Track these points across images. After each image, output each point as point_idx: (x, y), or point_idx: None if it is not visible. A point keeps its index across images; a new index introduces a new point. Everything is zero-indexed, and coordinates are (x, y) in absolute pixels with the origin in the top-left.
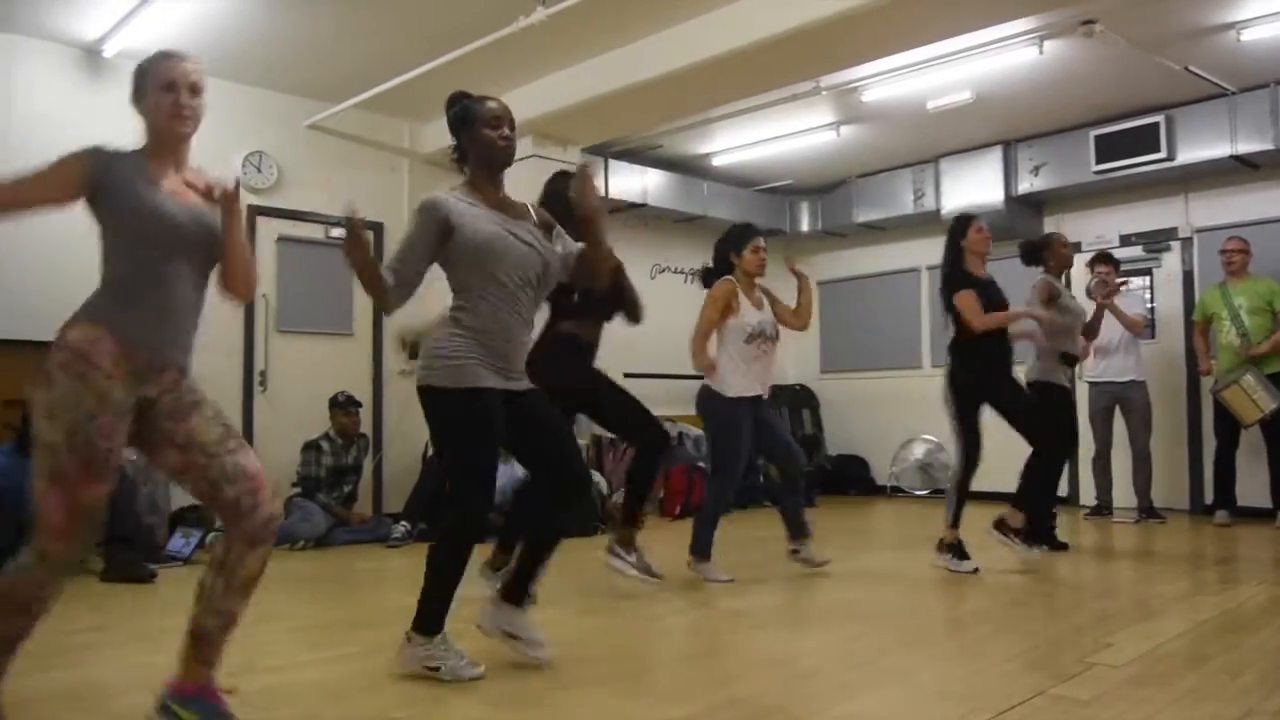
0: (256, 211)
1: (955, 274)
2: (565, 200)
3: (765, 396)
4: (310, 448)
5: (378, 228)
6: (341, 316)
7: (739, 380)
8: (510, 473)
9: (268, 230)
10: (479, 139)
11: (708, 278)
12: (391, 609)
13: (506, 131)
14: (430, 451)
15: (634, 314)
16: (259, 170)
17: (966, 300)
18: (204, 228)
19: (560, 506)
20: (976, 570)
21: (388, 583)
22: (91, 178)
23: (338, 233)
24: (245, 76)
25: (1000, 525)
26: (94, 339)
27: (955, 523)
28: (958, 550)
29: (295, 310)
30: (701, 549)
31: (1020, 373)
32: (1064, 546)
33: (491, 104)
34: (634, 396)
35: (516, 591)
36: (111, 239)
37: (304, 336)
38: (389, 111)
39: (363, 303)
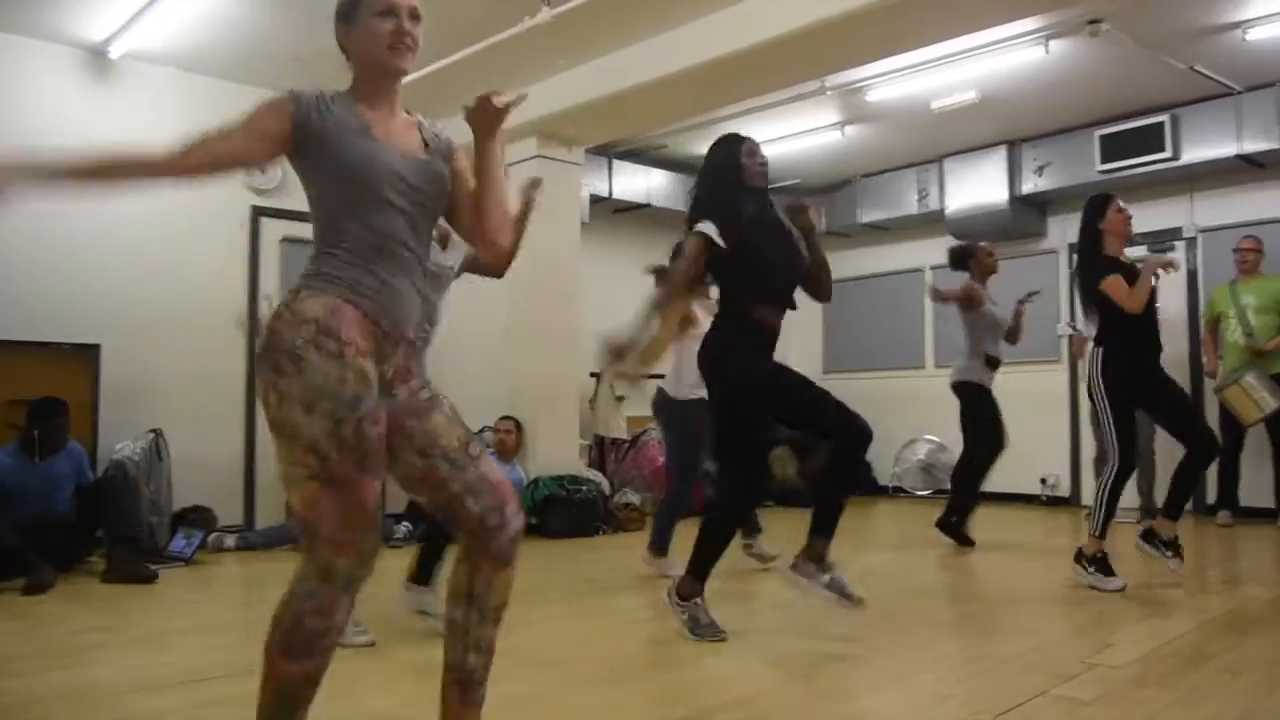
0: (260, 212)
1: (1099, 260)
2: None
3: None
4: None
5: None
6: None
7: (689, 380)
8: (511, 474)
9: (272, 232)
10: None
11: (659, 275)
12: (395, 607)
13: None
14: None
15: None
16: (263, 171)
17: (1115, 284)
18: (428, 178)
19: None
20: (1124, 588)
21: (389, 582)
22: (290, 127)
23: None
24: (252, 78)
25: (1149, 536)
26: (334, 309)
27: (1102, 533)
28: (1103, 565)
29: None
30: (659, 545)
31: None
32: (971, 542)
33: None
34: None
35: (424, 571)
36: (320, 196)
37: None
38: None
39: None
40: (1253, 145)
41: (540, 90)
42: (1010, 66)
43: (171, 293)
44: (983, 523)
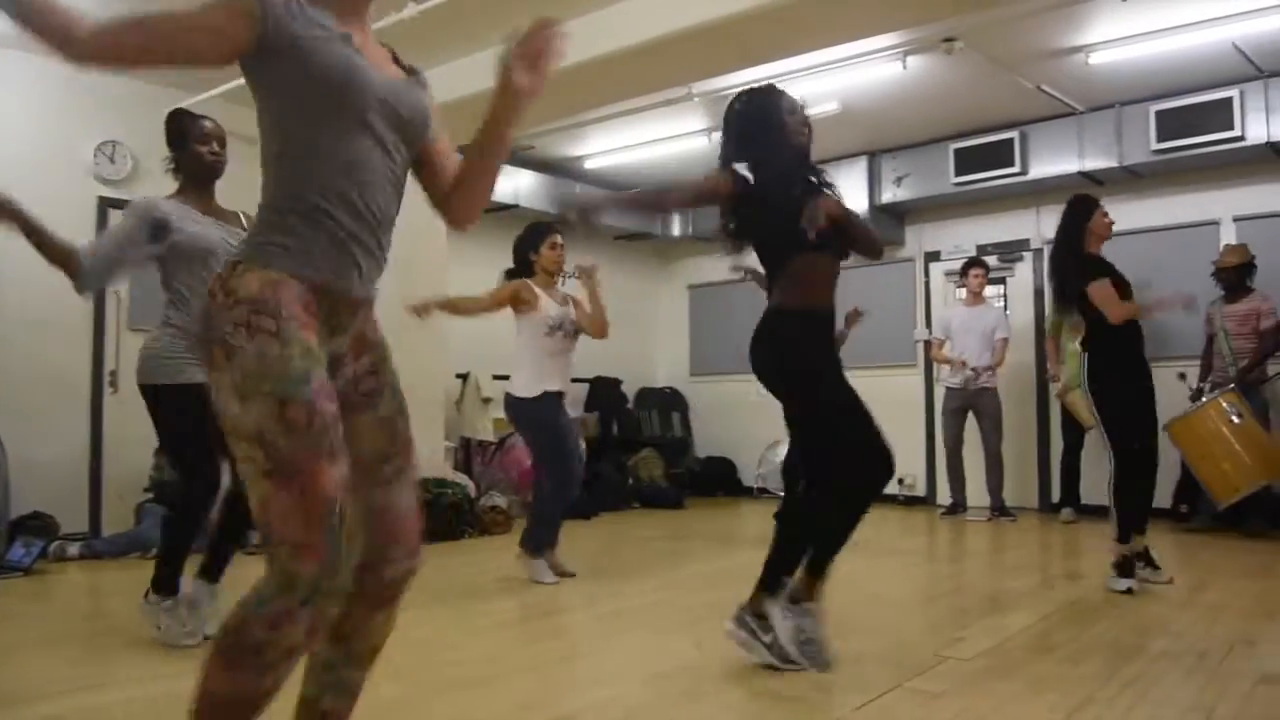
0: (109, 204)
1: (1084, 261)
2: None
3: (566, 394)
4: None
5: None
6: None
7: (537, 377)
8: None
9: None
10: (192, 154)
11: (510, 278)
12: None
13: (216, 148)
14: None
15: (872, 250)
16: (112, 161)
17: (1104, 291)
18: (414, 105)
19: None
20: (1130, 590)
21: (246, 589)
22: (251, 24)
23: None
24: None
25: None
26: (273, 284)
27: (1125, 537)
28: (1123, 567)
29: (150, 307)
30: (534, 544)
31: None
32: None
33: (206, 123)
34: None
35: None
36: (281, 115)
37: None
38: (252, 104)
39: None
40: (1093, 163)
41: None
42: (870, 80)
43: (8, 286)
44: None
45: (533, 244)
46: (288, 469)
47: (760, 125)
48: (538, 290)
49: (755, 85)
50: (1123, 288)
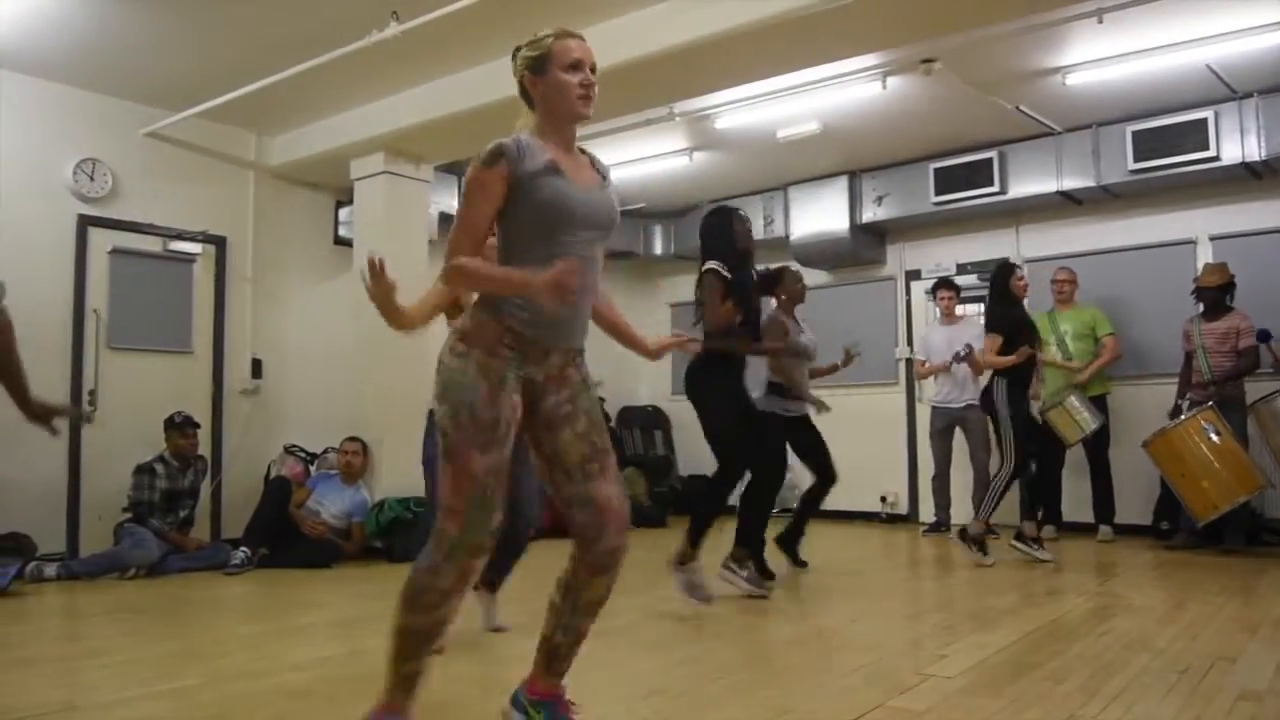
0: (89, 222)
1: (999, 312)
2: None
3: None
4: (143, 470)
5: (221, 242)
6: (179, 333)
7: None
8: (356, 496)
9: (100, 242)
10: None
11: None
12: (230, 638)
13: None
14: (273, 473)
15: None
16: (91, 179)
17: (989, 342)
18: (603, 208)
19: None
20: (992, 565)
21: (226, 611)
22: (509, 180)
23: (178, 246)
24: (77, 79)
25: (1020, 538)
26: (479, 325)
27: (988, 518)
28: (982, 544)
29: (129, 326)
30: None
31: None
32: (804, 564)
33: None
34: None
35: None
36: (514, 229)
37: (138, 354)
38: (234, 122)
39: (203, 319)
40: (1071, 183)
41: (388, 105)
42: (850, 100)
43: None
44: (825, 541)
45: None
46: (451, 451)
47: (720, 238)
48: None
49: (719, 205)
50: (1017, 338)
